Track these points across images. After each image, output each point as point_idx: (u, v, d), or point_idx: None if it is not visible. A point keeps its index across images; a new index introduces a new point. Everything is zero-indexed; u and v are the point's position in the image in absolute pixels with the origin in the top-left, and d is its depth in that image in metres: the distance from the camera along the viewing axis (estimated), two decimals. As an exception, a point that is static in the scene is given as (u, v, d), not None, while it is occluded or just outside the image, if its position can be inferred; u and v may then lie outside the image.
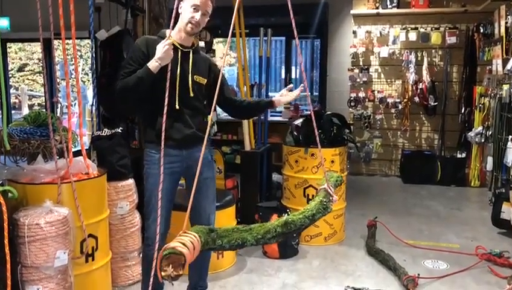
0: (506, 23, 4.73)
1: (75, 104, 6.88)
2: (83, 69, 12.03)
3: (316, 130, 2.02)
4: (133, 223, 3.13)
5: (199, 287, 2.77)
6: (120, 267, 3.08)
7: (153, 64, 2.38)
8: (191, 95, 2.53)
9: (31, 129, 2.94)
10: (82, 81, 11.16)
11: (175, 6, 2.31)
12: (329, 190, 1.98)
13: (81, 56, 12.06)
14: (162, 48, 2.35)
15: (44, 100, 8.25)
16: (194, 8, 2.41)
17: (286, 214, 1.76)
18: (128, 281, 3.11)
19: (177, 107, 2.48)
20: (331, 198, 1.97)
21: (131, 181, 3.13)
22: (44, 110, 3.75)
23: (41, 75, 12.98)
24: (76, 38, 2.58)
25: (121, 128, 3.25)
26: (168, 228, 2.67)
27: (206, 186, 2.65)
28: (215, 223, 2.75)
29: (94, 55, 3.38)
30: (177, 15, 2.42)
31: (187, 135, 2.55)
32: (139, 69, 2.42)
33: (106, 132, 3.19)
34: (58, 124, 2.75)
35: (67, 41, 2.60)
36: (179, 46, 2.49)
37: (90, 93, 8.73)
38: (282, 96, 2.68)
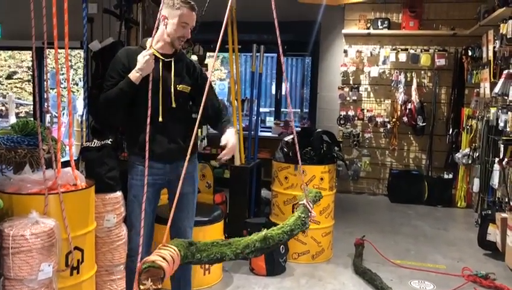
0: (494, 47, 4.82)
1: (63, 113, 6.83)
2: (72, 79, 11.99)
3: (297, 148, 2.01)
4: (120, 237, 3.07)
5: None
6: (105, 280, 3.02)
7: (133, 75, 2.39)
8: (173, 105, 2.50)
9: (18, 138, 2.89)
10: (71, 91, 11.09)
11: (158, 17, 2.34)
12: (308, 206, 1.99)
13: (71, 66, 12.02)
14: (142, 59, 2.35)
15: (33, 109, 8.17)
16: (184, 26, 2.42)
17: (265, 229, 1.76)
18: (112, 296, 3.05)
19: (160, 119, 2.47)
20: (309, 214, 1.97)
21: (119, 194, 3.08)
22: (32, 118, 3.71)
23: (30, 83, 12.89)
24: (69, 48, 2.56)
25: (110, 139, 3.22)
26: (151, 240, 2.70)
27: (186, 201, 2.65)
28: (193, 238, 2.74)
29: (86, 65, 3.37)
30: (158, 24, 2.43)
31: (170, 148, 2.55)
32: (121, 81, 2.42)
33: (95, 143, 3.16)
34: (47, 134, 2.72)
35: (58, 50, 2.59)
36: (160, 56, 2.49)
37: (79, 103, 8.68)
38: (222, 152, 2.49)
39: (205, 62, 4.98)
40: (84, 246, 2.64)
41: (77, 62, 11.92)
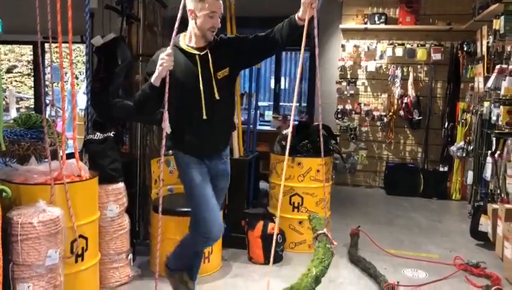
0: (488, 42, 4.91)
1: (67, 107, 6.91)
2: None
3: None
4: (122, 226, 3.19)
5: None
6: (108, 268, 3.13)
7: (153, 78, 2.39)
8: (217, 98, 2.49)
9: (21, 131, 2.99)
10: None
11: (179, 16, 2.33)
12: (329, 235, 2.20)
13: (71, 60, 12.06)
14: (159, 61, 2.34)
15: (34, 103, 8.25)
16: (212, 16, 2.40)
17: (316, 267, 2.13)
18: (115, 283, 3.16)
19: (204, 117, 2.48)
20: (331, 245, 2.29)
21: (121, 185, 3.20)
22: (33, 112, 3.80)
23: (30, 77, 12.94)
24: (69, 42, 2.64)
25: (113, 132, 3.32)
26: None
27: (221, 194, 2.77)
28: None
29: (89, 61, 3.45)
30: (184, 21, 2.41)
31: (213, 146, 2.62)
32: None
33: (98, 135, 3.26)
34: (53, 127, 2.81)
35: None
36: (195, 52, 2.47)
37: (80, 96, 8.74)
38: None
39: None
40: (88, 235, 2.76)
41: (77, 56, 11.98)
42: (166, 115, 2.39)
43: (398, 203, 5.96)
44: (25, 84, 13.71)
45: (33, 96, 8.85)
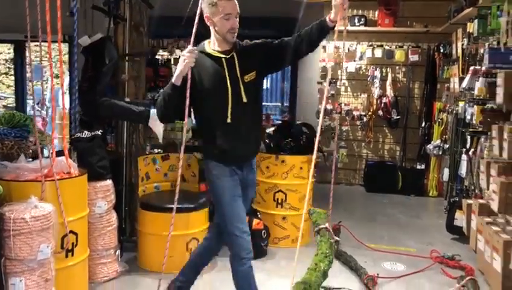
0: (463, 44, 5.11)
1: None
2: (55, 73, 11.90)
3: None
4: (110, 222, 3.25)
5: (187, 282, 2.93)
6: (96, 264, 3.19)
7: (174, 76, 2.39)
8: (245, 100, 2.48)
9: (5, 130, 3.00)
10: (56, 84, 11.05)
11: (196, 21, 2.36)
12: (331, 231, 2.30)
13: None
14: (181, 58, 2.36)
15: (15, 101, 8.15)
16: (228, 18, 2.40)
17: (322, 262, 2.33)
18: (104, 278, 3.23)
19: (228, 121, 2.45)
20: (333, 240, 2.42)
21: (109, 182, 3.26)
22: (15, 110, 3.81)
23: (8, 76, 12.77)
24: (54, 41, 2.69)
25: (100, 131, 3.37)
26: None
27: (247, 204, 2.73)
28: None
29: (75, 60, 3.49)
30: (200, 25, 2.43)
31: (243, 152, 2.57)
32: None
33: (86, 134, 3.31)
34: (43, 126, 2.85)
35: (43, 44, 2.70)
36: (221, 55, 2.47)
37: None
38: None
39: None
40: (78, 230, 2.81)
41: (57, 55, 11.86)
42: (186, 112, 2.41)
43: (377, 200, 6.13)
44: (3, 83, 13.50)
45: (13, 95, 8.74)
